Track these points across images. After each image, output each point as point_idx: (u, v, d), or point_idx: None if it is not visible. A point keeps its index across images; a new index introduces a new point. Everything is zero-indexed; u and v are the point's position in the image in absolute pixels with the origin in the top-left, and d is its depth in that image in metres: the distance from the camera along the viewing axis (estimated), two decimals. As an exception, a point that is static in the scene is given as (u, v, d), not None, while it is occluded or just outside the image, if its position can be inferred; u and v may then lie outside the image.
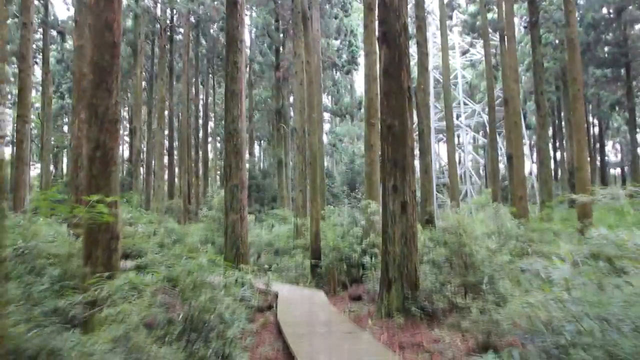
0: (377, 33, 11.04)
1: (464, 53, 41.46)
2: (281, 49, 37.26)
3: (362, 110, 41.65)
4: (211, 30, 43.26)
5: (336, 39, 36.79)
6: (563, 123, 46.97)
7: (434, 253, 11.01)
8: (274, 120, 39.70)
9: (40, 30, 41.05)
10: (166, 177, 42.33)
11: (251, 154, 53.30)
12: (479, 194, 39.37)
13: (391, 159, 9.13)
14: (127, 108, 52.01)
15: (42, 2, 37.93)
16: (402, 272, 8.95)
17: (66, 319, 6.03)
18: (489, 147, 48.44)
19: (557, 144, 48.40)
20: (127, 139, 52.72)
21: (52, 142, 55.61)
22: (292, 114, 39.93)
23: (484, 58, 42.36)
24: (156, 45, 40.27)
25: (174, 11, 38.71)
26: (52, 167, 59.15)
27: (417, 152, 18.12)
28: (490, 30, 29.03)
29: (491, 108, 25.75)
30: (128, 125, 50.67)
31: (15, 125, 22.93)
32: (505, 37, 21.53)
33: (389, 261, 9.08)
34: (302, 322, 9.06)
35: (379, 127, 9.76)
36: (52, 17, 40.03)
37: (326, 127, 65.02)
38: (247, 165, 50.95)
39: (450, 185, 25.75)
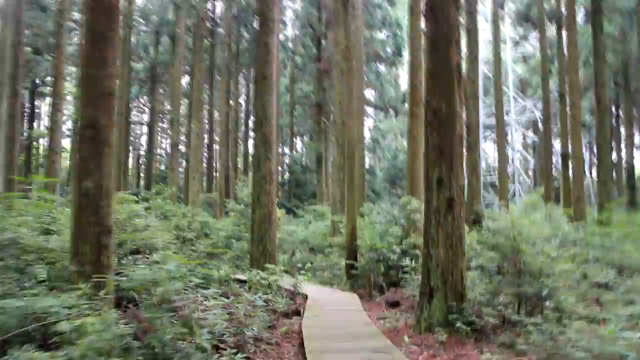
0: (422, 7, 9.80)
1: (515, 44, 39.25)
2: (323, 42, 36.15)
3: (407, 104, 40.16)
4: (254, 23, 42.47)
5: (380, 29, 35.39)
6: (620, 122, 44.11)
7: (482, 258, 9.65)
8: (315, 115, 38.60)
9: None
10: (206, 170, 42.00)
11: (292, 148, 52.48)
12: (527, 194, 37.25)
13: (436, 148, 7.83)
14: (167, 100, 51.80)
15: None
16: (446, 279, 7.64)
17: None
18: (541, 144, 46.08)
19: (614, 145, 45.47)
20: (170, 132, 52.56)
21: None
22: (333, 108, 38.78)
23: (536, 51, 40.18)
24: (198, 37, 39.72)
25: (215, 2, 38.09)
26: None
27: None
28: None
29: (546, 102, 23.92)
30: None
31: (50, 114, 22.60)
32: (565, 25, 19.75)
33: (431, 266, 7.79)
34: (330, 333, 7.88)
35: (423, 114, 8.45)
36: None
37: (370, 122, 63.57)
38: (287, 160, 50.23)
39: (499, 183, 24.10)
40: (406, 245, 13.30)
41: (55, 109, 21.04)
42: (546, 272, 8.24)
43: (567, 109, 21.88)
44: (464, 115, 8.02)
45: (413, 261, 12.34)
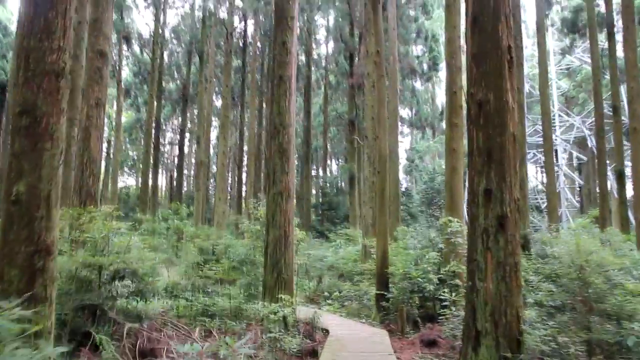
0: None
1: (563, 54, 36.96)
2: (356, 59, 34.84)
3: (444, 121, 38.31)
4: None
5: (415, 43, 33.85)
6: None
7: (541, 292, 7.83)
8: (348, 134, 37.14)
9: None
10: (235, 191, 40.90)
11: (325, 170, 51.05)
12: (575, 218, 34.64)
13: (483, 151, 6.13)
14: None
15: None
16: (498, 321, 5.87)
17: None
18: (589, 164, 43.26)
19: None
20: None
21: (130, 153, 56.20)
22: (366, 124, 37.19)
23: (583, 64, 37.85)
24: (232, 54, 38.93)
25: (244, 17, 37.30)
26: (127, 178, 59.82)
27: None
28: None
29: (598, 115, 21.78)
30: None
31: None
32: (623, 27, 17.81)
33: (477, 303, 6.03)
34: (347, 386, 6.20)
35: (466, 106, 6.80)
36: (129, 28, 39.80)
37: (407, 144, 61.80)
38: (320, 182, 48.73)
39: (547, 205, 21.98)
40: (445, 273, 11.49)
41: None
42: (629, 314, 6.40)
43: (623, 121, 19.74)
44: (515, 110, 6.33)
45: (453, 293, 10.53)
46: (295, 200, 12.08)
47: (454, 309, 9.95)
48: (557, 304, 7.63)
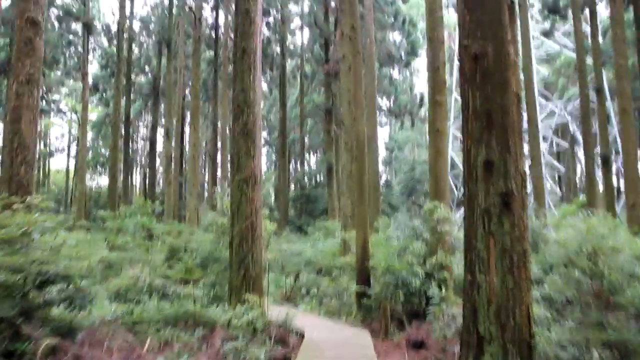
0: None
1: (545, 35, 36.10)
2: (331, 46, 33.62)
3: (423, 110, 37.33)
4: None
5: (393, 28, 32.65)
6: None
7: (547, 285, 6.77)
8: (325, 123, 35.93)
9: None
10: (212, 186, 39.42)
11: (303, 163, 49.78)
12: (558, 206, 33.96)
13: (481, 114, 5.00)
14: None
15: None
16: (505, 323, 4.75)
17: None
18: (570, 151, 42.71)
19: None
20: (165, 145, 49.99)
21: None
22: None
23: (562, 49, 37.16)
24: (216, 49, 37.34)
25: (215, 7, 35.81)
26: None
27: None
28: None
29: (584, 97, 20.94)
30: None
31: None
32: (611, 3, 16.92)
33: (479, 301, 4.90)
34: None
35: (458, 67, 5.63)
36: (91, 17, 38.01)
37: (385, 135, 60.80)
38: (298, 175, 47.50)
39: (534, 192, 21.11)
40: (431, 265, 10.39)
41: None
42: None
43: (608, 102, 18.91)
44: (520, 65, 5.20)
45: (442, 287, 9.44)
46: (263, 188, 10.91)
47: (443, 305, 8.88)
48: (564, 298, 6.59)
